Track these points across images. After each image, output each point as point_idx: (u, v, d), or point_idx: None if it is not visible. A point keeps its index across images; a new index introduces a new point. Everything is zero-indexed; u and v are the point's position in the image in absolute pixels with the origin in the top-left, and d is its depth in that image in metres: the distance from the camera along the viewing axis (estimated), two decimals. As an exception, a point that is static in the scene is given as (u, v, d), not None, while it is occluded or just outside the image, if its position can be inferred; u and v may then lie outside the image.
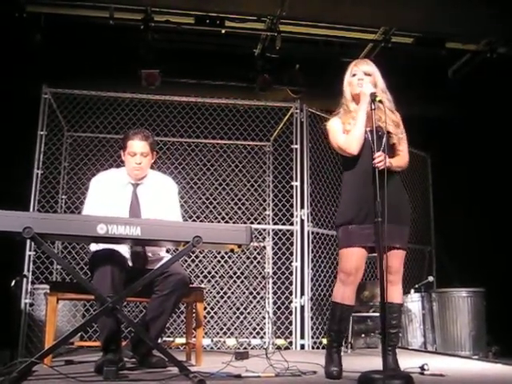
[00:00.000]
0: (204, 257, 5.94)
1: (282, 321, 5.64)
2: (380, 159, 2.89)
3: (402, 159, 3.13)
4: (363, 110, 3.00)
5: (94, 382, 2.67)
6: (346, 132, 3.07)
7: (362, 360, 4.02)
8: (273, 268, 5.98)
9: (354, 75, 3.13)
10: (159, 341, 3.74)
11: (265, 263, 6.11)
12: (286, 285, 5.69)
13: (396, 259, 3.03)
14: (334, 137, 3.13)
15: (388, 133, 3.02)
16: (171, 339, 5.28)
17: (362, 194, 2.98)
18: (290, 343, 5.43)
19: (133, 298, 3.56)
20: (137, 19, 5.20)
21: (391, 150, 3.08)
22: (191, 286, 3.54)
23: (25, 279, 4.87)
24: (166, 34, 5.47)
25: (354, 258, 3.00)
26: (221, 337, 5.73)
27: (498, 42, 5.50)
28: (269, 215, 6.28)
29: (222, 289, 5.91)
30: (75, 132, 6.02)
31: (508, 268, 5.44)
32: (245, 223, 5.94)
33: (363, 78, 3.09)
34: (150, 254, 3.44)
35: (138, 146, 3.44)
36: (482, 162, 5.98)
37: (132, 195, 3.48)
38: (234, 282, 5.95)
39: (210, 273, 5.92)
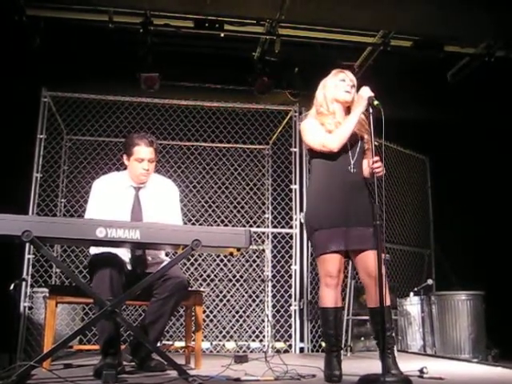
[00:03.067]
0: (203, 260, 5.94)
1: (282, 324, 5.64)
2: (378, 165, 2.89)
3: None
4: (358, 112, 3.01)
5: (92, 386, 2.68)
6: (328, 132, 3.06)
7: (362, 363, 4.02)
8: (272, 271, 5.98)
9: (342, 80, 3.15)
10: (158, 344, 3.74)
11: (264, 266, 6.11)
12: (285, 288, 5.69)
13: (372, 261, 2.97)
14: (313, 133, 3.10)
15: (362, 139, 3.08)
16: (170, 342, 5.27)
17: (338, 197, 2.99)
18: (290, 346, 5.43)
19: (132, 301, 3.57)
20: (136, 23, 5.20)
21: (362, 155, 3.13)
22: (190, 289, 3.54)
23: (24, 282, 4.87)
24: (165, 38, 5.47)
25: (335, 261, 3.00)
26: (220, 340, 5.72)
27: (496, 46, 5.51)
28: (268, 218, 6.27)
29: (221, 292, 5.91)
30: (74, 135, 6.02)
31: (507, 271, 5.45)
32: (244, 226, 5.94)
33: (351, 87, 3.13)
34: (149, 258, 3.44)
35: (145, 152, 3.44)
36: (481, 165, 5.99)
37: (134, 199, 3.49)
38: (234, 285, 5.94)
39: (209, 276, 5.92)
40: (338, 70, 3.23)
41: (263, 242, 6.14)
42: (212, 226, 5.89)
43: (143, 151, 3.44)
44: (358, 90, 3.12)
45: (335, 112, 3.13)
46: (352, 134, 3.03)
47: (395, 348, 4.53)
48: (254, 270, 6.06)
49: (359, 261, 3.04)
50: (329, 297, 3.04)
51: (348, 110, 3.15)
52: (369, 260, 2.97)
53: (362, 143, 3.12)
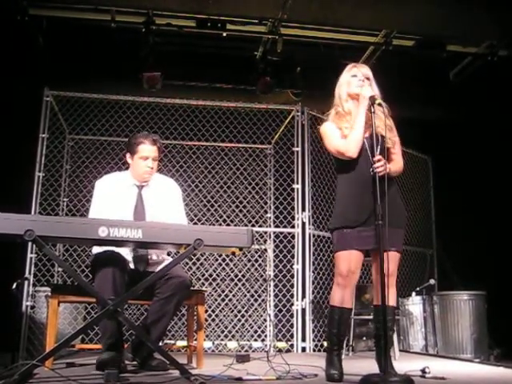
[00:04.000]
0: (205, 259, 5.94)
1: (284, 323, 5.63)
2: (381, 164, 2.89)
3: (397, 164, 3.12)
4: (362, 113, 3.00)
5: (95, 385, 2.68)
6: (343, 137, 3.05)
7: (363, 363, 4.01)
8: (274, 271, 5.98)
9: (353, 76, 3.12)
10: (160, 343, 3.74)
11: (266, 266, 6.10)
12: (287, 287, 5.69)
13: (391, 262, 2.95)
14: (331, 141, 3.10)
15: (382, 137, 3.01)
16: (172, 342, 5.28)
17: (359, 198, 2.98)
18: (292, 346, 5.42)
19: (134, 300, 3.57)
20: (138, 22, 5.21)
21: (386, 154, 3.04)
22: (192, 288, 3.54)
23: (26, 282, 4.88)
24: (167, 37, 5.47)
25: (350, 261, 2.98)
26: (222, 339, 5.73)
27: (498, 45, 5.50)
28: (270, 218, 6.27)
29: (223, 291, 5.91)
30: (77, 135, 6.02)
31: (509, 271, 5.44)
32: (246, 226, 5.93)
33: (364, 80, 3.10)
34: (151, 257, 3.45)
35: (149, 150, 3.47)
36: (483, 164, 5.98)
37: (137, 197, 3.50)
38: (236, 284, 5.94)
39: (211, 275, 5.92)
40: (352, 64, 3.20)
41: (265, 241, 6.14)
42: (214, 225, 5.88)
43: (148, 149, 3.47)
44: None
45: (351, 111, 3.09)
46: (367, 136, 3.01)
47: (395, 349, 4.56)
48: (256, 269, 6.06)
49: (377, 260, 3.02)
50: (337, 296, 3.03)
51: None
52: (387, 260, 2.96)
53: (382, 142, 3.02)
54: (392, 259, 2.97)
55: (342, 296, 3.02)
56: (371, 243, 2.95)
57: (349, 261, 2.98)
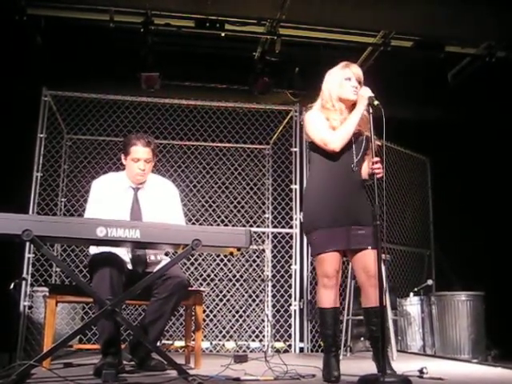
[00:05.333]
0: (203, 260, 5.94)
1: (281, 324, 5.64)
2: (378, 166, 2.88)
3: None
4: (359, 113, 2.97)
5: (92, 385, 2.68)
6: (332, 128, 3.01)
7: (361, 363, 4.01)
8: (272, 271, 5.98)
9: (347, 79, 3.08)
10: (158, 344, 3.74)
11: (264, 266, 6.11)
12: (285, 288, 5.69)
13: (371, 260, 2.93)
14: (316, 129, 3.05)
15: (366, 137, 3.02)
16: (170, 342, 5.27)
17: (336, 196, 2.97)
18: (289, 346, 5.43)
19: (132, 300, 3.57)
20: (137, 22, 5.20)
21: (364, 155, 3.08)
22: (190, 288, 3.54)
23: (24, 282, 4.87)
24: (165, 37, 5.47)
25: (332, 262, 2.97)
26: (220, 340, 5.73)
27: (497, 46, 5.51)
28: (268, 218, 6.27)
29: (221, 292, 5.91)
30: (75, 135, 6.02)
31: (507, 272, 5.45)
32: (244, 226, 5.94)
33: (358, 86, 3.07)
34: (149, 257, 3.44)
35: (142, 152, 3.44)
36: (481, 165, 5.99)
37: (133, 199, 3.48)
38: (234, 284, 5.94)
39: (209, 276, 5.92)
40: (345, 63, 3.14)
41: (263, 241, 6.14)
42: (212, 225, 5.89)
43: (140, 151, 3.43)
44: None
45: (342, 109, 3.07)
46: (356, 132, 3.01)
47: (393, 349, 4.57)
48: (253, 269, 6.06)
49: (357, 260, 3.01)
50: (326, 297, 3.01)
51: (353, 107, 3.06)
52: (367, 259, 2.95)
53: (366, 142, 3.05)
54: (371, 257, 2.92)
55: (332, 297, 3.01)
56: (354, 243, 2.95)
57: (333, 260, 2.97)
